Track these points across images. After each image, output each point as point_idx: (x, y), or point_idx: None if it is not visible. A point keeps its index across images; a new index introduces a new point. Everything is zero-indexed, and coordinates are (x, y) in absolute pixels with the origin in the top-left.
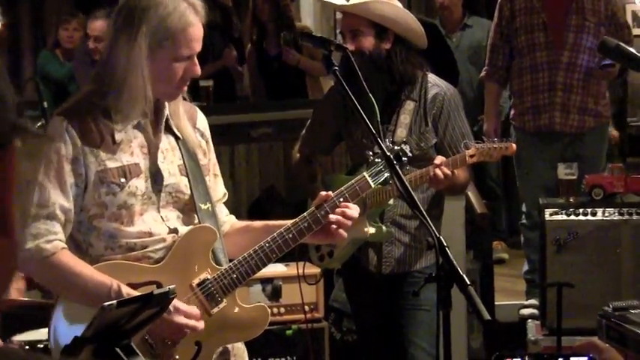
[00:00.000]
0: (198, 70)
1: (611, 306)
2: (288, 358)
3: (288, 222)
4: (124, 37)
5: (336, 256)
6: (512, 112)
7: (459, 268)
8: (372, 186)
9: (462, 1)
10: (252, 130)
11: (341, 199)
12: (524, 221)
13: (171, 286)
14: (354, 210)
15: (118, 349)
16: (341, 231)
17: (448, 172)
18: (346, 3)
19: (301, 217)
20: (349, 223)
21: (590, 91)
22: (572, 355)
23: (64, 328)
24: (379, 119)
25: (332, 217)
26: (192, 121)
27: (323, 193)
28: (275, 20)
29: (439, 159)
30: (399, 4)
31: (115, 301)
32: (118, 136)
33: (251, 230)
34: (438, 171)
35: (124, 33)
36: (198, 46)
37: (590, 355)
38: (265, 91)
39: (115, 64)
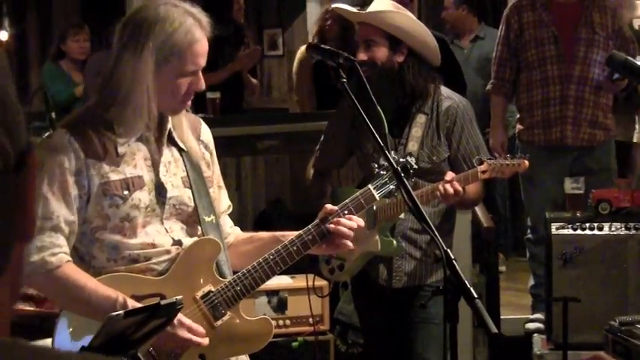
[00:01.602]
0: (202, 84)
1: (617, 321)
2: None
3: (294, 233)
4: (129, 51)
5: (346, 270)
6: (518, 126)
7: (466, 282)
8: (377, 198)
9: (475, 12)
10: (258, 142)
11: (345, 212)
12: (529, 236)
13: (178, 297)
14: (356, 222)
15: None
16: (345, 242)
17: (459, 188)
18: (361, 12)
19: (306, 229)
20: (351, 234)
21: (601, 105)
22: None
23: (67, 340)
24: (387, 131)
25: (333, 227)
26: (196, 133)
27: (328, 206)
28: (338, 41)
29: (449, 175)
30: (414, 17)
31: (122, 311)
32: (121, 149)
33: (256, 240)
34: (448, 187)
35: (129, 47)
36: (203, 62)
37: None
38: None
39: (119, 78)
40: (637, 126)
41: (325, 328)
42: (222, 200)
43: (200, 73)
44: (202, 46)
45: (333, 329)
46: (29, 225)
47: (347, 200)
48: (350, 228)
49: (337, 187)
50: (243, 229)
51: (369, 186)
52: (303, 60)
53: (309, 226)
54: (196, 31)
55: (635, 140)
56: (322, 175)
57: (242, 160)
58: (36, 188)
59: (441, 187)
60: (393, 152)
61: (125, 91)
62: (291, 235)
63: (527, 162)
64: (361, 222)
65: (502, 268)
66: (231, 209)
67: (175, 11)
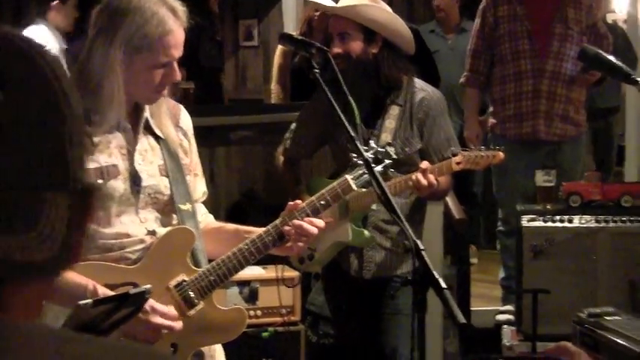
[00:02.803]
0: (177, 75)
1: (585, 312)
2: None
3: (260, 229)
4: (101, 39)
5: (316, 260)
6: (490, 119)
7: (434, 272)
8: (354, 188)
9: (459, 5)
10: (232, 132)
11: (309, 212)
12: (501, 228)
13: (148, 286)
14: (317, 225)
15: None
16: (299, 244)
17: (433, 179)
18: (335, 5)
19: (266, 230)
20: (304, 239)
21: (573, 100)
22: (544, 359)
23: None
24: (359, 122)
25: (287, 229)
26: (175, 120)
27: (291, 203)
28: (325, 32)
29: (425, 164)
30: (389, 9)
31: (90, 300)
32: (95, 137)
33: (222, 233)
34: (421, 177)
35: (101, 35)
36: (177, 53)
37: (561, 359)
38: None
39: (91, 66)
40: None
41: (296, 318)
42: (198, 187)
43: (175, 64)
44: (176, 38)
45: (305, 320)
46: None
47: (323, 190)
48: (307, 234)
49: (311, 178)
50: (216, 219)
51: (347, 176)
52: (285, 51)
53: (270, 226)
54: (169, 20)
55: None
56: (292, 163)
57: (216, 150)
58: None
59: (414, 177)
60: (372, 142)
61: (96, 79)
62: (255, 232)
63: (501, 154)
64: (321, 224)
65: (474, 260)
66: (205, 196)
67: (149, 0)
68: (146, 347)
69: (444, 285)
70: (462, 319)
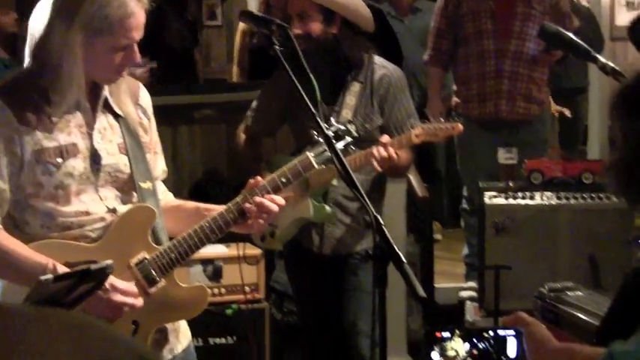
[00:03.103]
0: (137, 57)
1: (546, 287)
2: (229, 338)
3: (221, 207)
4: (60, 20)
5: (277, 237)
6: (454, 99)
7: (395, 247)
8: (315, 165)
9: None
10: (195, 111)
11: (269, 189)
12: (464, 206)
13: (109, 262)
14: (277, 202)
15: None
16: (260, 221)
17: (393, 153)
18: None
19: (227, 208)
20: (264, 217)
21: (535, 80)
22: (500, 328)
23: None
24: (320, 99)
25: (248, 206)
26: (135, 98)
27: (252, 180)
28: (283, 10)
29: (385, 138)
30: None
31: (51, 276)
32: (55, 116)
33: (182, 211)
34: (382, 150)
35: (61, 16)
36: (137, 35)
37: (517, 328)
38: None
39: (50, 47)
40: None
41: (260, 296)
42: (158, 165)
43: (135, 46)
44: (137, 20)
45: (269, 298)
46: None
47: (285, 167)
48: (268, 211)
49: (272, 155)
50: (179, 198)
51: (307, 153)
52: (244, 31)
53: (230, 203)
54: (130, 3)
55: None
56: (253, 141)
57: (178, 129)
58: None
59: (374, 151)
60: (332, 119)
61: (55, 59)
62: (216, 210)
63: (460, 125)
64: (282, 201)
65: (438, 237)
66: (165, 174)
67: None
68: (109, 327)
69: (404, 259)
70: (421, 292)
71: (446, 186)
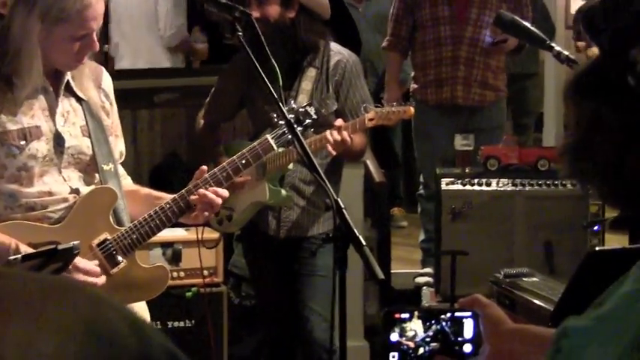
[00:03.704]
0: (96, 46)
1: (502, 273)
2: (187, 322)
3: (170, 196)
4: (20, 8)
5: (235, 220)
6: (412, 85)
7: (355, 230)
8: (275, 148)
9: None
10: (155, 95)
11: (211, 182)
12: (421, 191)
13: (76, 242)
14: (221, 194)
15: None
16: (205, 214)
17: (347, 136)
18: None
19: (173, 199)
20: (212, 207)
21: (491, 67)
22: (457, 310)
23: None
24: (281, 85)
25: (194, 198)
26: (97, 82)
27: (197, 171)
28: None
29: (339, 122)
30: None
31: (20, 255)
32: (18, 99)
33: (136, 197)
34: (336, 134)
35: (21, 4)
36: (96, 25)
37: (474, 310)
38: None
39: (11, 32)
40: None
41: (219, 280)
42: (117, 148)
43: (93, 35)
44: (94, 11)
45: (227, 281)
46: None
47: (244, 150)
48: (212, 204)
49: (230, 141)
50: (138, 182)
51: (267, 136)
52: None
53: (177, 195)
54: None
55: None
56: (212, 127)
57: (138, 113)
58: None
59: (328, 135)
60: (292, 102)
61: (16, 46)
62: (165, 198)
63: (412, 109)
64: (226, 194)
65: (404, 224)
66: (123, 157)
67: None
68: (99, 291)
69: (363, 242)
70: (380, 275)
71: (404, 172)
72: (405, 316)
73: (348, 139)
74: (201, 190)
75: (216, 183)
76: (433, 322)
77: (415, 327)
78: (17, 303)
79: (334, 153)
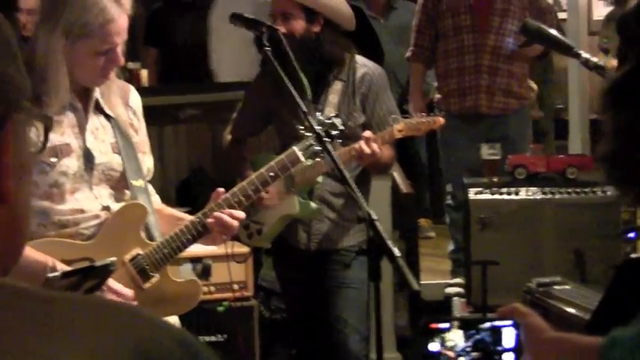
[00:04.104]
0: (120, 60)
1: (534, 282)
2: (219, 336)
3: (190, 218)
4: (45, 25)
5: (264, 234)
6: (436, 95)
7: (388, 241)
8: (302, 160)
9: None
10: (179, 112)
11: (225, 206)
12: (449, 202)
13: (112, 259)
14: (237, 216)
15: None
16: (223, 237)
17: (376, 148)
18: None
19: (192, 222)
20: (228, 231)
21: (514, 74)
22: (497, 319)
23: None
24: (310, 98)
25: (210, 221)
26: (125, 99)
27: (214, 193)
28: None
29: (368, 133)
30: None
31: (59, 273)
32: None
33: (160, 217)
34: (364, 146)
35: (46, 21)
36: (119, 39)
37: (514, 319)
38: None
39: (37, 51)
40: None
41: (249, 294)
42: (145, 164)
43: (118, 50)
44: (118, 26)
45: (257, 295)
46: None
47: (272, 162)
48: (228, 226)
49: (256, 154)
50: (165, 198)
51: (294, 147)
52: None
53: (195, 217)
54: (112, 8)
55: None
56: (239, 142)
57: (164, 130)
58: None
59: (357, 146)
60: (319, 114)
61: (41, 63)
62: (185, 220)
63: (441, 119)
64: (242, 215)
65: (431, 234)
66: (152, 173)
67: None
68: (149, 312)
69: (397, 253)
70: (415, 286)
71: (430, 183)
72: (445, 326)
73: (377, 150)
74: (217, 213)
75: (243, 198)
76: (473, 332)
77: (455, 337)
78: (70, 330)
79: (363, 165)
